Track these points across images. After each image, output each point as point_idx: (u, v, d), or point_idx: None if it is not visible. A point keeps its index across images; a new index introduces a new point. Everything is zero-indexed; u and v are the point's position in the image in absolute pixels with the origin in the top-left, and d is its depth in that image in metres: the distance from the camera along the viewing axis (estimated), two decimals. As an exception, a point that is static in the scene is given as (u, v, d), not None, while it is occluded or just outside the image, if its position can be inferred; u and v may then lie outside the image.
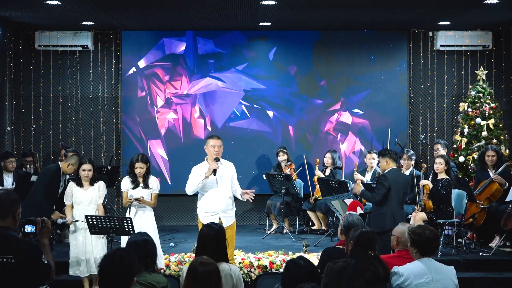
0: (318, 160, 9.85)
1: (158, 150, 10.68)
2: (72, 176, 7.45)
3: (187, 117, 10.70)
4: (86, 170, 6.98)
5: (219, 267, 4.27)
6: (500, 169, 8.54)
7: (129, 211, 6.93)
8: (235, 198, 6.94)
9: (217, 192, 6.67)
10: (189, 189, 6.73)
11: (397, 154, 7.30)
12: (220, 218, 6.58)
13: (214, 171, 6.56)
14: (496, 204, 8.43)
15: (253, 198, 6.81)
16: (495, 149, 8.78)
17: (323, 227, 9.59)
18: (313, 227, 9.80)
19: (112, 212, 9.81)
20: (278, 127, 10.73)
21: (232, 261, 6.55)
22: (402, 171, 8.50)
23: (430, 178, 8.44)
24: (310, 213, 9.78)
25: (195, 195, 6.90)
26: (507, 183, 8.42)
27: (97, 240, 6.89)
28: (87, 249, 6.88)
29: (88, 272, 6.89)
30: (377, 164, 9.41)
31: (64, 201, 7.11)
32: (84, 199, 7.00)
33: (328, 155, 9.80)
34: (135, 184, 6.89)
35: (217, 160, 6.62)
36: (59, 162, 7.81)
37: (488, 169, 8.70)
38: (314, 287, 3.42)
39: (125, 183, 6.96)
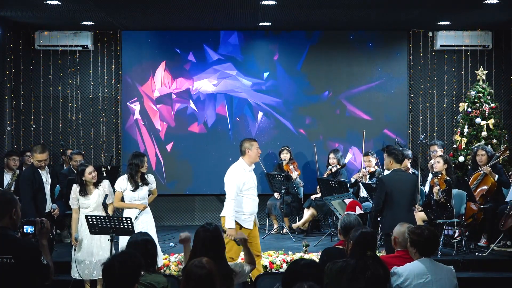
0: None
1: (157, 150, 10.67)
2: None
3: (187, 117, 10.70)
4: (93, 172, 6.88)
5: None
6: (491, 162, 8.54)
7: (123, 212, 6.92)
8: None
9: (256, 195, 6.77)
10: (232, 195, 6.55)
11: (404, 155, 7.24)
12: (255, 218, 6.75)
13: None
14: (492, 205, 8.42)
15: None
16: (485, 149, 8.76)
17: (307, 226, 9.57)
18: (297, 223, 9.66)
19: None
20: (278, 127, 10.73)
21: (259, 257, 6.72)
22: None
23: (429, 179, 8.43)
24: (305, 210, 9.69)
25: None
26: (496, 175, 8.43)
27: (102, 243, 6.76)
28: (94, 252, 6.78)
29: (92, 275, 6.78)
30: (375, 164, 9.43)
31: (70, 205, 6.97)
32: (90, 204, 6.87)
33: (332, 155, 9.79)
34: (135, 186, 6.87)
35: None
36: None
37: (480, 168, 8.70)
38: (311, 286, 3.39)
39: (123, 184, 6.93)
